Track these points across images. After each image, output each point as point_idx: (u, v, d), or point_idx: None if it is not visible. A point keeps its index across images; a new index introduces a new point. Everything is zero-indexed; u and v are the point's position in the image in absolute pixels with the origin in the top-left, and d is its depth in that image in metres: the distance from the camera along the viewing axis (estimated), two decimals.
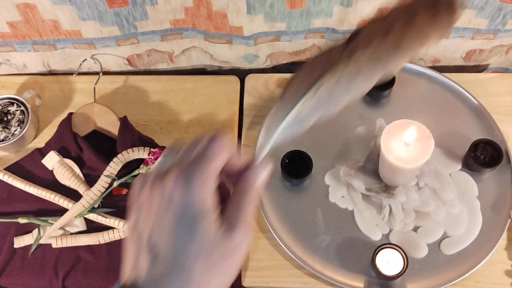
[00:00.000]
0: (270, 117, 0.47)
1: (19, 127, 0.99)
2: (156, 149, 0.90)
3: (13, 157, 1.00)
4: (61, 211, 0.92)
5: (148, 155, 0.90)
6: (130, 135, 0.96)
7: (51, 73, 1.09)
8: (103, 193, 0.92)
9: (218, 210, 0.42)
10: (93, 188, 0.92)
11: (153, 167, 0.46)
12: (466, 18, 0.94)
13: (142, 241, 0.42)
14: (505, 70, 1.09)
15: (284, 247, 0.89)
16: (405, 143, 0.83)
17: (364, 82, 0.45)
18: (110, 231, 0.91)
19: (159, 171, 0.43)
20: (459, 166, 0.94)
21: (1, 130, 0.99)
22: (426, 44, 0.44)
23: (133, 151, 0.94)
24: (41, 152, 0.98)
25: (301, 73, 0.46)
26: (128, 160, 0.94)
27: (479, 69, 1.09)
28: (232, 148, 0.44)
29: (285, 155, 0.92)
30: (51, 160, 0.95)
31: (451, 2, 0.43)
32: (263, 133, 0.47)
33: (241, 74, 1.08)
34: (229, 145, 0.43)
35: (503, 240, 0.89)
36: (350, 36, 0.45)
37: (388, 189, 0.92)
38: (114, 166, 0.93)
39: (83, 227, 0.92)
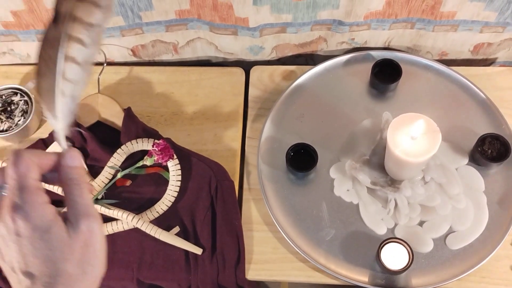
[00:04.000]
0: (45, 111, 0.51)
1: (22, 117, 0.99)
2: (161, 141, 0.89)
3: (16, 147, 1.00)
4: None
5: (152, 146, 0.90)
6: (134, 126, 0.96)
7: None
8: (106, 184, 0.92)
9: (61, 214, 0.48)
10: (97, 179, 0.92)
11: None
12: (474, 11, 0.93)
13: (16, 270, 0.47)
14: None
15: (288, 240, 0.88)
16: (412, 137, 0.82)
17: (95, 32, 0.47)
18: (114, 222, 0.91)
19: None
20: (466, 161, 0.93)
21: (5, 120, 0.98)
22: None
23: (137, 142, 0.93)
24: (45, 143, 0.97)
25: (40, 67, 0.48)
26: (132, 151, 0.94)
27: (487, 62, 1.08)
28: (35, 155, 0.48)
29: (290, 147, 0.91)
30: (55, 151, 0.95)
31: None
32: (50, 121, 0.51)
33: (246, 66, 1.07)
34: (30, 157, 0.47)
35: (509, 236, 0.88)
36: (54, 17, 0.47)
37: (393, 183, 0.91)
38: (118, 157, 0.92)
39: None
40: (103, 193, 0.92)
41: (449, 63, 1.04)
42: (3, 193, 0.48)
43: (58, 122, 0.50)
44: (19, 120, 0.98)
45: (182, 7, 0.94)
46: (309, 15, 0.95)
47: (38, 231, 0.46)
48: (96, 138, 0.95)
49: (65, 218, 0.48)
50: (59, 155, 0.50)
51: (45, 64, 0.47)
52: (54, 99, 0.49)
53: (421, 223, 0.89)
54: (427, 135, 0.82)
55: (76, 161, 0.50)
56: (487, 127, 0.95)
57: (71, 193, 0.48)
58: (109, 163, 0.92)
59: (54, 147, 0.94)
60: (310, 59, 1.10)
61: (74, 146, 0.96)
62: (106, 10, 0.46)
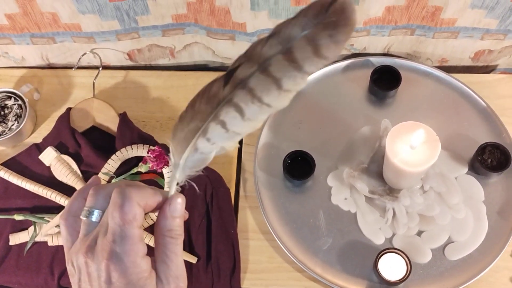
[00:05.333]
0: (172, 153, 0.47)
1: (16, 122, 0.97)
2: (156, 147, 0.88)
3: (10, 152, 0.98)
4: (58, 208, 0.91)
5: (147, 153, 0.88)
6: (129, 131, 0.94)
7: (50, 66, 1.07)
8: None
9: (154, 270, 0.45)
10: None
11: (81, 232, 0.47)
12: (475, 18, 0.91)
13: None
14: None
15: (285, 249, 0.87)
16: (411, 146, 0.80)
17: (259, 111, 0.42)
18: None
19: (88, 236, 0.45)
20: (466, 170, 0.91)
21: None
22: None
23: (132, 149, 0.92)
24: (39, 148, 0.96)
25: (187, 113, 0.45)
26: (126, 157, 0.92)
27: (487, 69, 1.06)
28: (142, 196, 0.44)
29: (287, 155, 0.90)
30: (49, 156, 0.93)
31: (337, 20, 0.37)
32: (171, 164, 0.48)
33: None
34: (138, 201, 0.44)
35: (509, 246, 0.86)
36: (228, 72, 0.42)
37: (392, 192, 0.89)
38: (112, 164, 0.91)
39: None
40: None
41: (449, 69, 1.03)
42: (92, 219, 0.46)
43: (177, 170, 0.47)
44: (12, 125, 0.97)
45: (178, 12, 0.93)
46: None
47: (131, 287, 0.44)
48: (90, 143, 0.93)
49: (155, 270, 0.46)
50: (164, 198, 0.47)
51: (192, 113, 0.44)
52: (184, 149, 0.46)
53: (419, 233, 0.87)
54: (426, 144, 0.80)
55: (180, 211, 0.47)
56: (487, 136, 0.94)
57: (165, 246, 0.45)
58: (103, 170, 0.91)
59: (47, 153, 0.93)
60: None
61: (68, 151, 0.94)
62: (286, 94, 0.41)
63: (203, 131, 0.44)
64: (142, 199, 0.44)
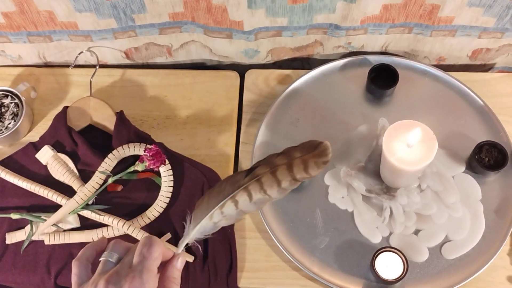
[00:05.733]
0: (192, 216, 0.60)
1: (13, 120, 0.97)
2: (152, 146, 0.88)
3: (6, 150, 0.98)
4: (55, 207, 0.90)
5: (144, 151, 0.88)
6: (126, 130, 0.94)
7: (47, 65, 1.07)
8: (97, 190, 0.90)
9: None
10: (88, 184, 0.90)
11: (98, 268, 0.57)
12: (473, 16, 0.91)
13: None
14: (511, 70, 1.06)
15: (282, 248, 0.87)
16: (408, 144, 0.80)
17: (262, 199, 0.58)
18: (104, 229, 0.89)
19: (106, 271, 0.55)
20: (463, 168, 0.91)
21: None
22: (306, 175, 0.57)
23: (128, 147, 0.92)
24: (35, 146, 0.96)
25: (214, 190, 0.60)
26: (123, 156, 0.92)
27: (485, 68, 1.06)
28: (163, 247, 0.57)
29: None
30: (45, 155, 0.93)
31: (320, 154, 0.57)
32: (186, 227, 0.60)
33: (241, 69, 1.05)
34: (161, 248, 0.56)
35: (506, 245, 0.87)
36: (250, 169, 0.58)
37: (389, 190, 0.89)
38: (109, 162, 0.91)
39: (76, 224, 0.90)
40: (93, 198, 0.90)
41: (447, 68, 1.03)
42: (110, 260, 0.57)
43: (191, 232, 0.60)
44: (9, 123, 0.97)
45: (175, 10, 0.92)
46: (305, 19, 0.93)
47: None
48: (87, 142, 0.93)
49: None
50: (173, 255, 0.59)
51: (218, 191, 0.59)
52: (203, 217, 0.59)
53: (416, 232, 0.87)
54: (423, 143, 0.80)
55: (182, 265, 0.59)
56: (485, 135, 0.94)
57: None
58: (100, 168, 0.91)
59: (44, 152, 0.93)
60: (306, 63, 1.09)
61: (65, 150, 0.94)
62: (282, 191, 0.57)
63: (221, 206, 0.58)
64: (162, 248, 0.57)
